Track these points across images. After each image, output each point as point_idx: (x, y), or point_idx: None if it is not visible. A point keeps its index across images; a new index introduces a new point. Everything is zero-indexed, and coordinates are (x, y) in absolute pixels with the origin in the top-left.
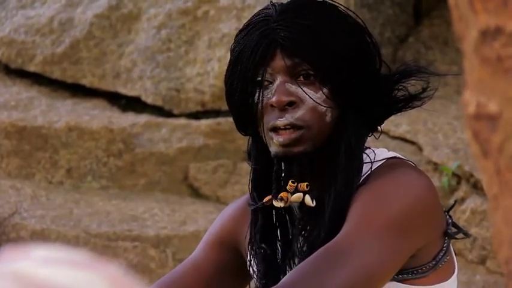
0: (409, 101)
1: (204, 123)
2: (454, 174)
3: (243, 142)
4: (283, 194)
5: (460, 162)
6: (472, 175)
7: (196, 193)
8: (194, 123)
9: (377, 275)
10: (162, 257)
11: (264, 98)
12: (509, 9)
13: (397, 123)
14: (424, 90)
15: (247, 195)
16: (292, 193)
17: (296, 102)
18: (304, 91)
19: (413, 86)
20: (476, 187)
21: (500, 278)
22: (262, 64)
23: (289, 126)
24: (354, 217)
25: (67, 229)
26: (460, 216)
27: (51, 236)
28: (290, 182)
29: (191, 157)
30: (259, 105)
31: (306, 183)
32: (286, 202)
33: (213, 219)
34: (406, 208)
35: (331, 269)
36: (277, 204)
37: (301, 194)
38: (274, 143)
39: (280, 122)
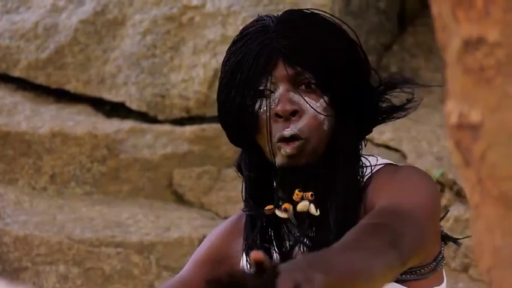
0: (394, 112)
1: (189, 129)
2: (438, 182)
3: (227, 148)
4: (286, 205)
5: (443, 170)
6: (455, 183)
7: (180, 199)
8: (179, 129)
9: (425, 242)
10: (146, 263)
11: (267, 108)
12: (491, 19)
13: (381, 131)
14: (408, 101)
15: (234, 216)
16: (297, 202)
17: (299, 111)
18: (306, 101)
19: (397, 97)
20: (460, 195)
21: (482, 285)
22: (264, 73)
23: (293, 137)
24: (387, 197)
25: (50, 235)
26: (444, 224)
27: (35, 242)
28: (297, 191)
29: (175, 163)
30: (264, 114)
31: (310, 193)
32: (288, 213)
33: (197, 226)
34: (430, 196)
35: (402, 221)
36: (281, 215)
37: (307, 203)
38: (282, 154)
39: (287, 132)
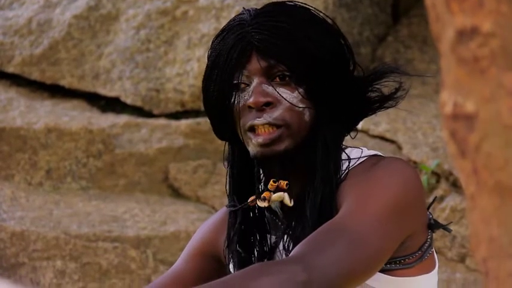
0: (383, 102)
1: (184, 123)
2: (434, 173)
3: (222, 142)
4: (265, 194)
5: (439, 160)
6: (451, 173)
7: (176, 193)
8: (174, 123)
9: (377, 255)
10: (143, 257)
11: (242, 100)
12: (485, 10)
13: (376, 122)
14: (396, 90)
15: (225, 208)
16: (274, 192)
17: (273, 103)
18: (279, 93)
19: (386, 87)
20: (456, 185)
21: (479, 276)
22: (238, 67)
23: (267, 125)
24: (351, 201)
25: (47, 230)
26: (440, 214)
27: (31, 237)
28: (271, 181)
29: (171, 157)
30: (237, 107)
31: (286, 182)
32: (269, 201)
33: (193, 220)
34: (400, 193)
35: (332, 244)
36: (262, 204)
37: (281, 193)
38: (253, 144)
39: (259, 121)
